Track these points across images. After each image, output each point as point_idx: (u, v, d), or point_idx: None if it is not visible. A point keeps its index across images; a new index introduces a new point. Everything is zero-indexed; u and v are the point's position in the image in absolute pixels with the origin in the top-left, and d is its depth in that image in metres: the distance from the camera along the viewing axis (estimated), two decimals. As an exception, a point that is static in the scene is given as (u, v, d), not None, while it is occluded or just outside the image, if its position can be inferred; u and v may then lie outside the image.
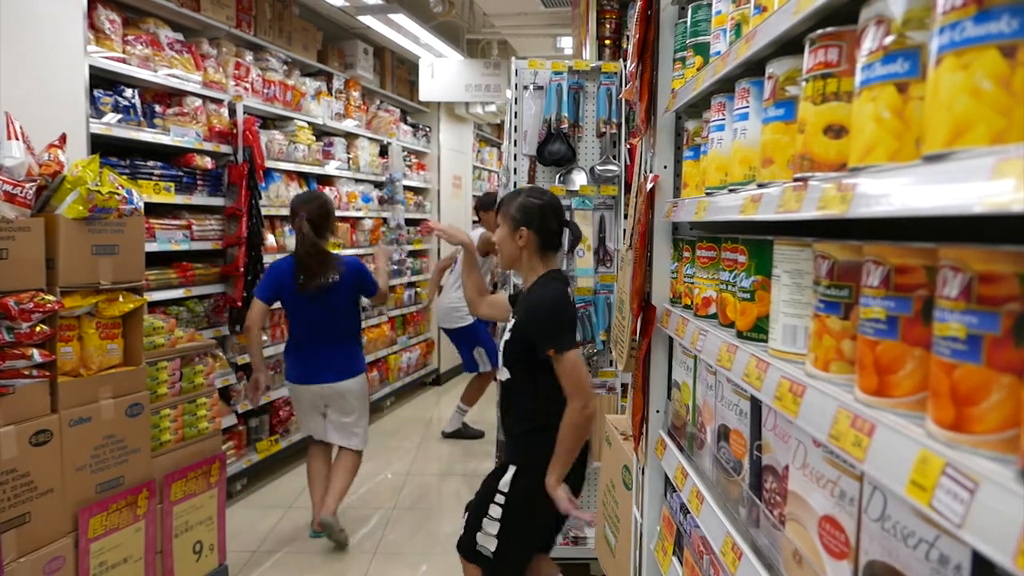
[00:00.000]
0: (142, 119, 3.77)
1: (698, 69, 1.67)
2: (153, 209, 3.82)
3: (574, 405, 2.20)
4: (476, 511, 2.41)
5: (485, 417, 6.04)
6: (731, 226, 1.59)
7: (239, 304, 4.32)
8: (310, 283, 3.54)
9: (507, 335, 2.40)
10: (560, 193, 3.33)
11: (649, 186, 1.89)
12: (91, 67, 3.34)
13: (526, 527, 2.38)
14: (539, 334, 2.26)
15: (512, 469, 2.36)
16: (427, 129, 7.72)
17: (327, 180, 5.81)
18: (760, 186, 1.22)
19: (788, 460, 1.14)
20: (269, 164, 4.79)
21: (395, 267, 6.63)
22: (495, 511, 2.33)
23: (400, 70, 7.41)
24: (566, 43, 7.28)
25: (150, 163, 3.80)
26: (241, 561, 3.64)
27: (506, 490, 2.34)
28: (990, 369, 0.68)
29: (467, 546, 2.42)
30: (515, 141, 3.36)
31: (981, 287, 0.69)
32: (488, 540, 2.34)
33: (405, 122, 7.28)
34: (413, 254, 7.26)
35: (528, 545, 2.45)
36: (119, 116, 3.59)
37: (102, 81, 3.55)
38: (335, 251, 3.80)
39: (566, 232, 2.49)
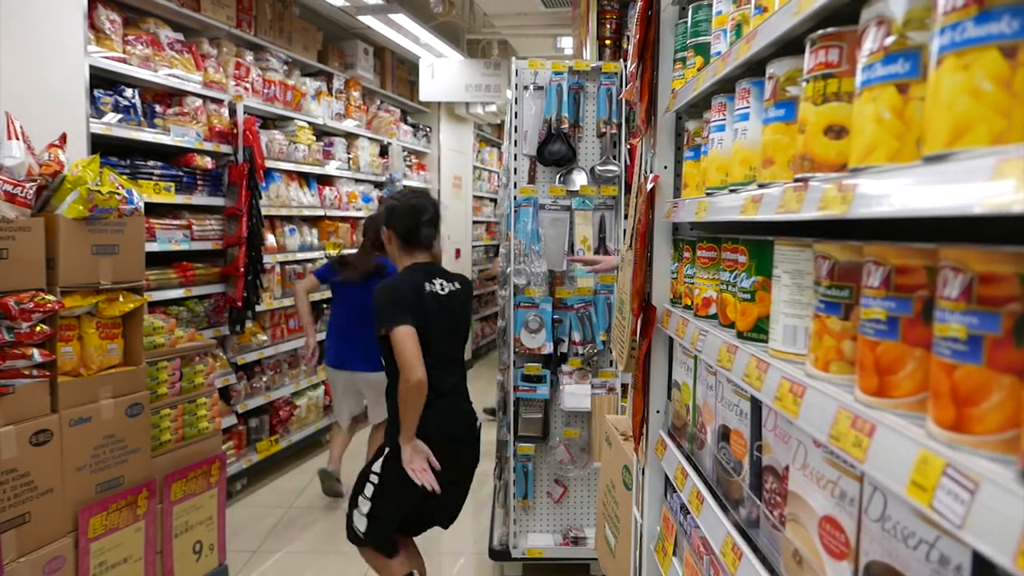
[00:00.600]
0: (142, 119, 3.77)
1: (698, 69, 1.67)
2: (153, 209, 3.82)
3: (402, 377, 2.38)
4: (353, 494, 2.62)
5: (486, 419, 6.03)
6: (731, 226, 1.59)
7: (239, 304, 4.32)
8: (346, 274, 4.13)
9: None
10: (560, 193, 3.33)
11: (649, 186, 1.88)
12: (91, 67, 3.34)
13: (393, 501, 2.56)
14: (376, 318, 2.48)
15: (385, 452, 2.56)
16: (427, 129, 7.72)
17: (327, 180, 5.81)
18: (761, 186, 1.22)
19: (788, 460, 1.13)
20: (269, 164, 4.79)
21: None
22: (368, 490, 2.55)
23: (400, 70, 7.41)
24: (566, 43, 7.28)
25: (150, 163, 3.80)
26: (241, 561, 3.64)
27: (378, 471, 2.55)
28: (991, 370, 0.68)
29: (350, 532, 2.64)
30: (515, 141, 3.36)
31: (982, 288, 0.69)
32: (360, 520, 2.56)
33: (405, 122, 7.29)
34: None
35: (393, 517, 2.62)
36: (119, 116, 3.59)
37: (102, 81, 3.55)
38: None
39: (424, 228, 2.66)
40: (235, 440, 4.50)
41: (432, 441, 2.51)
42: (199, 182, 4.15)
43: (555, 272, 3.36)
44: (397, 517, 2.64)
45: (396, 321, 2.40)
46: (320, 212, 5.49)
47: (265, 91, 4.83)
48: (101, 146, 3.34)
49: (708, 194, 1.53)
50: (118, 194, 2.58)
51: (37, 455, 2.34)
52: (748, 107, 1.33)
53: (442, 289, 2.61)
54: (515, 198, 3.34)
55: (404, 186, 6.84)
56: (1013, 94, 0.63)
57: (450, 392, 2.62)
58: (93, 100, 3.42)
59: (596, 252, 3.35)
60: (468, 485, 2.83)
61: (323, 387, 5.61)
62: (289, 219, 5.21)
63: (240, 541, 3.84)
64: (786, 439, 1.16)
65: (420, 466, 2.45)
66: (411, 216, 2.65)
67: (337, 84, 5.93)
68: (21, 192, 2.31)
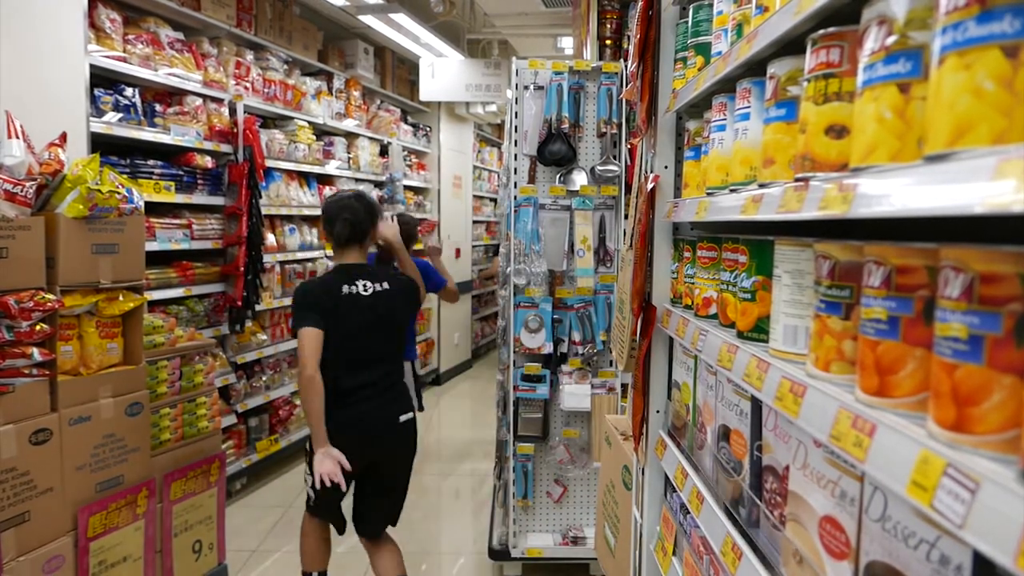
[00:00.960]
0: (142, 118, 3.77)
1: (699, 69, 1.67)
2: (153, 208, 3.82)
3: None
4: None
5: (486, 419, 6.04)
6: (732, 226, 1.59)
7: (239, 303, 4.32)
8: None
9: None
10: (560, 193, 3.33)
11: (650, 186, 1.88)
12: (92, 66, 3.34)
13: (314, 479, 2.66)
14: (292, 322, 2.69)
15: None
16: (427, 129, 7.72)
17: (327, 180, 5.81)
18: (761, 186, 1.22)
19: (788, 460, 1.13)
20: (269, 163, 4.79)
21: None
22: (307, 468, 2.73)
23: (400, 70, 7.41)
24: (567, 43, 7.27)
25: (150, 162, 3.80)
26: (240, 560, 3.64)
27: (308, 449, 2.69)
28: (991, 369, 0.68)
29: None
30: (515, 141, 3.36)
31: (982, 287, 0.69)
32: (310, 489, 2.76)
33: (405, 122, 7.28)
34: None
35: (320, 495, 2.70)
36: (119, 115, 3.59)
37: (102, 80, 3.55)
38: None
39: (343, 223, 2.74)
40: (235, 439, 4.50)
41: (342, 437, 2.57)
42: (199, 181, 4.15)
43: (555, 272, 3.36)
44: (330, 496, 2.73)
45: (299, 323, 2.57)
46: (320, 212, 5.48)
47: (265, 90, 4.83)
48: (101, 145, 3.34)
49: (709, 194, 1.53)
50: (118, 193, 2.58)
51: (37, 454, 2.34)
52: (749, 107, 1.33)
53: (365, 290, 2.69)
54: (515, 198, 3.34)
55: (404, 186, 6.84)
56: (1015, 94, 0.63)
57: (364, 388, 2.68)
58: (93, 99, 3.42)
59: (596, 252, 3.35)
60: (399, 482, 2.88)
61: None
62: (289, 218, 5.21)
63: (239, 540, 3.84)
64: (786, 439, 1.16)
65: (327, 470, 2.50)
66: (333, 214, 2.74)
67: (337, 83, 5.93)
68: (21, 191, 2.31)
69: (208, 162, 4.20)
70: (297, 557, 3.73)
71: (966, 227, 0.84)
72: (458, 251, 8.19)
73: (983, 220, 0.64)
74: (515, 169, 3.36)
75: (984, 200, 0.61)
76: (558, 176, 3.35)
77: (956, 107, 0.68)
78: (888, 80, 0.83)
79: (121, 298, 2.64)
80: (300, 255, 5.22)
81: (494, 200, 9.84)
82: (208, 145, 4.16)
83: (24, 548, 2.29)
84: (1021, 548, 0.57)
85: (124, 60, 3.60)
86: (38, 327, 2.31)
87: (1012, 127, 0.63)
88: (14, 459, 2.26)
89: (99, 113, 3.47)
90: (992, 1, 0.65)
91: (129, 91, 3.69)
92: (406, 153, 7.13)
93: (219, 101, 4.34)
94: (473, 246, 8.85)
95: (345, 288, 2.66)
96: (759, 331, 1.30)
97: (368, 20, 5.88)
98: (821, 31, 1.00)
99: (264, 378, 4.85)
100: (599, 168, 3.31)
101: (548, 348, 3.32)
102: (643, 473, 2.09)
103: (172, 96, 4.06)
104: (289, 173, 5.18)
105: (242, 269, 4.29)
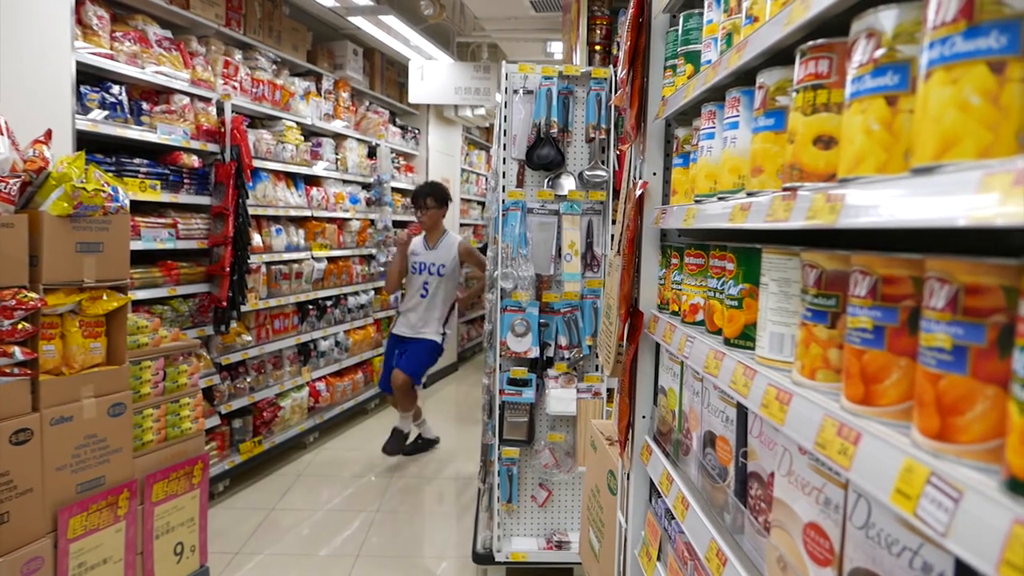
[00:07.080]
0: (129, 116, 3.74)
1: (689, 77, 1.69)
2: (139, 207, 3.79)
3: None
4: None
5: (471, 423, 6.02)
6: (720, 234, 1.60)
7: (224, 304, 4.29)
8: None
9: None
10: (548, 197, 3.33)
11: (638, 192, 1.89)
12: (78, 63, 3.31)
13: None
14: None
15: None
16: (416, 131, 7.71)
17: (315, 180, 5.79)
18: (749, 195, 1.23)
19: (774, 467, 1.14)
20: (257, 163, 4.76)
21: (382, 268, 6.64)
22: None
23: (390, 72, 7.40)
24: (556, 48, 7.29)
25: (136, 161, 3.77)
26: (223, 563, 3.61)
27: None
28: (975, 380, 0.69)
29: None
30: (504, 145, 3.36)
31: (967, 299, 0.70)
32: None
33: (394, 124, 7.27)
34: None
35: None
36: (106, 113, 3.56)
37: (89, 77, 3.52)
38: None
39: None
40: (218, 441, 4.46)
41: None
42: (185, 180, 4.12)
43: (542, 276, 3.36)
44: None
45: None
46: (307, 212, 5.46)
47: (253, 90, 4.81)
48: (87, 143, 3.30)
49: (697, 201, 1.54)
50: (103, 191, 2.55)
51: (17, 454, 2.31)
52: (738, 116, 1.34)
53: None
54: (503, 201, 3.34)
55: (392, 188, 6.83)
56: (1000, 108, 0.64)
57: None
58: (79, 96, 3.39)
59: (583, 256, 3.35)
60: None
61: (307, 388, 5.58)
62: (276, 219, 5.18)
63: (222, 543, 3.81)
64: (772, 446, 1.17)
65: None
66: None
67: (326, 84, 5.91)
68: (4, 188, 2.29)
69: (195, 161, 4.17)
70: (280, 560, 3.73)
71: (952, 239, 0.85)
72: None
73: (970, 232, 0.65)
74: (503, 173, 3.36)
75: (968, 213, 0.62)
76: (546, 180, 3.36)
77: (943, 121, 0.69)
78: (876, 92, 0.84)
79: (105, 297, 2.62)
80: (286, 256, 5.19)
81: (482, 203, 9.84)
82: (195, 144, 4.13)
83: (3, 549, 2.26)
84: (1003, 556, 0.58)
85: (111, 57, 3.58)
86: (20, 326, 2.28)
87: (997, 141, 0.64)
88: (-7, 459, 2.24)
89: (85, 110, 3.44)
90: (979, 17, 0.66)
91: (116, 89, 3.66)
92: (394, 155, 7.12)
93: (207, 100, 4.31)
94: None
95: None
96: (746, 338, 1.31)
97: (357, 21, 5.87)
98: (810, 42, 1.01)
99: (248, 379, 4.82)
100: (587, 173, 3.32)
101: (534, 352, 3.32)
102: (628, 478, 2.10)
103: (159, 94, 4.03)
104: (276, 173, 5.16)
105: (227, 269, 4.26)
